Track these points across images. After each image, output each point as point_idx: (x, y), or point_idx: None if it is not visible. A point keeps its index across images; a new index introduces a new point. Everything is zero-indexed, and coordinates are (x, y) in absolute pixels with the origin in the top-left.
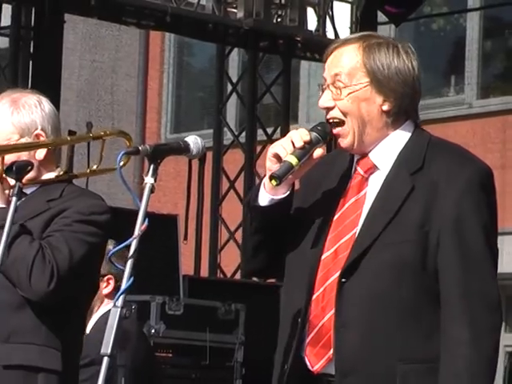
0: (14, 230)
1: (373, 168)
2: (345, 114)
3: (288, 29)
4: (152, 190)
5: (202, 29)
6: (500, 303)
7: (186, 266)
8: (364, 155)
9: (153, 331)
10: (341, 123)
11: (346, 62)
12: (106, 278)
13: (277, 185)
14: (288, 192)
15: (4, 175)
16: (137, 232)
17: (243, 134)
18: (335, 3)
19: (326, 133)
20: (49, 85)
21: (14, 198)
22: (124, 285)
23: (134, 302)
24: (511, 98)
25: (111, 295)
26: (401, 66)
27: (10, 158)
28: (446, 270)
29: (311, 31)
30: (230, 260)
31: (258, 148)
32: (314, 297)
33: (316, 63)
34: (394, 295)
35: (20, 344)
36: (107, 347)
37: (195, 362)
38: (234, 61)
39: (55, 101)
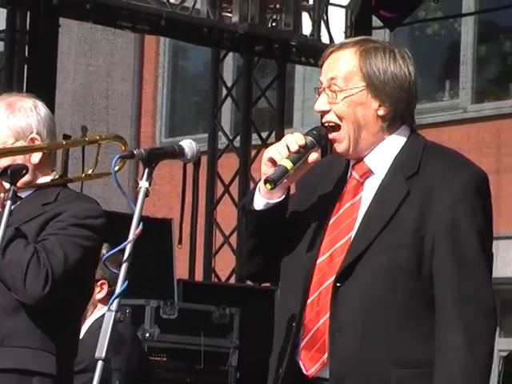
0: (8, 234)
1: (368, 172)
2: (340, 118)
3: (283, 33)
4: (147, 194)
5: (196, 33)
6: (495, 308)
7: (181, 270)
8: (359, 160)
9: (147, 335)
10: (336, 127)
11: (343, 66)
12: (99, 282)
13: (271, 189)
14: (283, 196)
15: None
16: (131, 236)
17: (238, 138)
18: (330, 8)
19: (321, 137)
20: (44, 89)
21: (8, 202)
22: (118, 289)
23: (128, 306)
24: (506, 102)
25: (104, 300)
26: (397, 70)
27: (4, 162)
28: (441, 274)
29: (306, 36)
30: (225, 264)
31: (253, 152)
32: (309, 301)
33: (311, 67)
34: (389, 300)
35: (14, 347)
36: (101, 351)
37: (190, 366)
38: (229, 65)
39: (50, 105)
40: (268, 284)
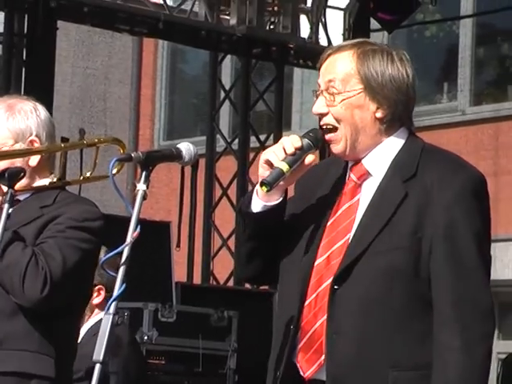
0: (6, 237)
1: (366, 174)
2: (338, 121)
3: (281, 36)
4: (144, 197)
5: (194, 36)
6: (493, 311)
7: (179, 273)
8: (357, 161)
9: (145, 338)
10: (333, 130)
11: (340, 69)
12: (96, 288)
13: (267, 191)
14: (281, 198)
15: None
16: (129, 239)
17: (236, 141)
18: (328, 10)
19: (317, 139)
20: (42, 91)
21: (5, 205)
22: (116, 292)
23: (126, 309)
24: (504, 104)
25: (102, 305)
26: (395, 73)
27: (3, 164)
28: (439, 277)
29: (304, 38)
30: (223, 267)
31: (251, 155)
32: (307, 303)
33: (309, 70)
34: (387, 302)
35: (13, 351)
36: (99, 354)
37: (188, 369)
38: (227, 68)
39: (48, 107)
40: (266, 287)
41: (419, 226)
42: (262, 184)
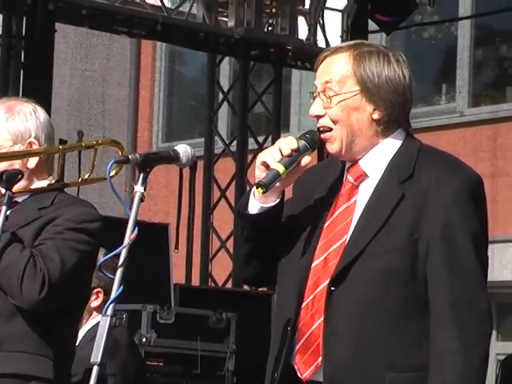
0: (5, 239)
1: (363, 176)
2: (335, 123)
3: (279, 37)
4: (142, 199)
5: (192, 38)
6: (490, 312)
7: (178, 275)
8: (354, 163)
9: (144, 340)
10: (329, 129)
11: (337, 70)
12: (95, 290)
13: (263, 193)
14: (278, 200)
15: None
16: (126, 241)
17: (234, 142)
18: (326, 12)
19: (314, 141)
20: (40, 94)
21: (3, 207)
22: (114, 294)
23: (124, 311)
24: (502, 106)
25: (100, 308)
26: (391, 74)
27: (1, 166)
28: (435, 278)
29: (302, 40)
30: (222, 269)
31: (249, 157)
32: (304, 304)
33: (307, 72)
34: (383, 304)
35: (11, 352)
36: (97, 356)
37: (186, 371)
38: (226, 70)
39: (46, 110)
40: (265, 288)
41: (416, 228)
42: (257, 186)
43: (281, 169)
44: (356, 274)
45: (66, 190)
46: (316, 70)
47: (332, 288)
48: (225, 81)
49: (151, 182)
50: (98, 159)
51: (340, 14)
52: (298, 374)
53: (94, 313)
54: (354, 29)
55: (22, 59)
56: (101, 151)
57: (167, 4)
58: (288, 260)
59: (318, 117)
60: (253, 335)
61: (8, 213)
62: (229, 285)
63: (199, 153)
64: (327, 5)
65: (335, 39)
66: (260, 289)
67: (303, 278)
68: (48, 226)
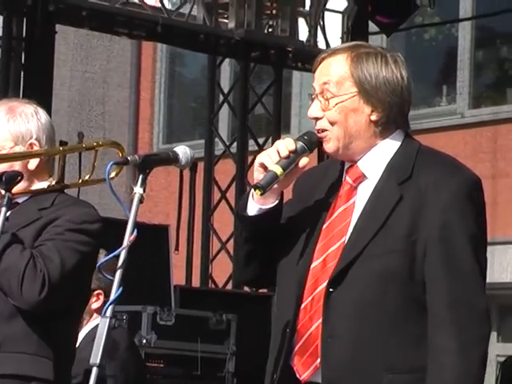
0: (5, 239)
1: (361, 177)
2: (332, 124)
3: (279, 39)
4: (141, 200)
5: (193, 39)
6: (488, 313)
7: (178, 277)
8: (353, 164)
9: (144, 341)
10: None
11: (335, 72)
12: (95, 292)
13: (261, 194)
14: (276, 201)
15: None
16: (126, 242)
17: (234, 144)
18: (326, 13)
19: (312, 142)
20: (40, 95)
21: (3, 209)
22: (113, 295)
23: (125, 313)
24: (503, 107)
25: (100, 310)
26: (389, 75)
27: (2, 167)
28: (433, 280)
29: (302, 41)
30: (222, 270)
31: (250, 158)
32: (303, 306)
33: (308, 73)
34: (382, 305)
35: (12, 353)
36: (96, 357)
37: (186, 373)
38: (226, 71)
39: (46, 111)
40: (265, 290)
41: (414, 229)
42: (255, 187)
43: (278, 170)
44: (354, 276)
45: (66, 191)
46: (314, 72)
47: (330, 290)
48: (225, 82)
49: (151, 183)
50: (98, 160)
51: (340, 16)
52: (297, 376)
53: (95, 314)
54: (354, 30)
55: (23, 61)
56: (101, 152)
57: (167, 5)
58: (287, 261)
59: (317, 119)
60: (253, 337)
61: (8, 214)
62: (229, 286)
63: (199, 154)
64: (327, 6)
65: (335, 41)
66: (260, 290)
67: (302, 279)
68: (48, 227)
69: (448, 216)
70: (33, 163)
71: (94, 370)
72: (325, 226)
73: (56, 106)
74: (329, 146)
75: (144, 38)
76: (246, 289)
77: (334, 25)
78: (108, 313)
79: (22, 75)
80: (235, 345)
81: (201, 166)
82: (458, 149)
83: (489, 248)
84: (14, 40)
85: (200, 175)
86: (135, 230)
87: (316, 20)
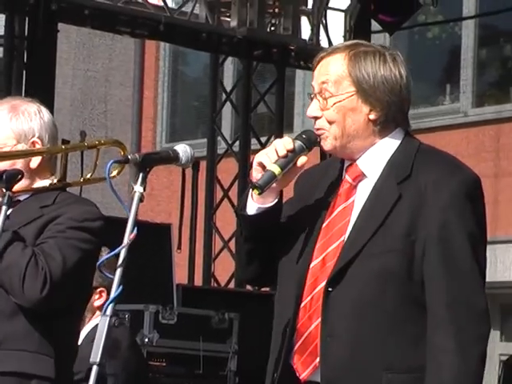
0: (6, 237)
1: (361, 176)
2: (331, 123)
3: (282, 38)
4: (141, 199)
5: (195, 38)
6: (488, 313)
7: (180, 275)
8: (352, 162)
9: (146, 340)
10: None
11: (333, 72)
12: (98, 290)
13: (259, 194)
14: (276, 200)
15: None
16: (126, 241)
17: (237, 143)
18: (329, 12)
19: (310, 141)
20: (42, 94)
21: (3, 207)
22: (113, 294)
23: (127, 311)
24: (506, 106)
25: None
26: (387, 74)
27: (4, 165)
28: (432, 279)
29: (305, 40)
30: (224, 269)
31: (252, 157)
32: (302, 305)
33: (311, 72)
34: (380, 305)
35: (13, 351)
36: (96, 356)
37: (189, 371)
38: (229, 70)
39: (49, 110)
40: (267, 289)
41: (413, 228)
42: (253, 187)
43: (276, 170)
44: (353, 275)
45: (68, 189)
46: (313, 71)
47: (329, 289)
48: (229, 81)
49: (154, 182)
50: (100, 159)
51: (343, 14)
52: (297, 375)
53: (97, 312)
54: (356, 29)
55: (25, 59)
56: (103, 151)
57: (170, 4)
58: (287, 260)
59: (316, 118)
60: (255, 335)
61: (9, 212)
62: (231, 285)
63: (202, 153)
64: (330, 5)
65: (338, 39)
66: (263, 289)
67: (302, 278)
68: (50, 225)
69: (447, 215)
70: (35, 161)
71: (94, 369)
72: (324, 225)
73: (58, 104)
74: (326, 144)
75: (146, 37)
76: (249, 287)
77: (336, 23)
78: (108, 311)
79: (24, 74)
80: (237, 343)
81: (203, 164)
82: (461, 147)
83: (490, 247)
84: (17, 39)
85: (202, 174)
86: (135, 229)
87: (318, 18)
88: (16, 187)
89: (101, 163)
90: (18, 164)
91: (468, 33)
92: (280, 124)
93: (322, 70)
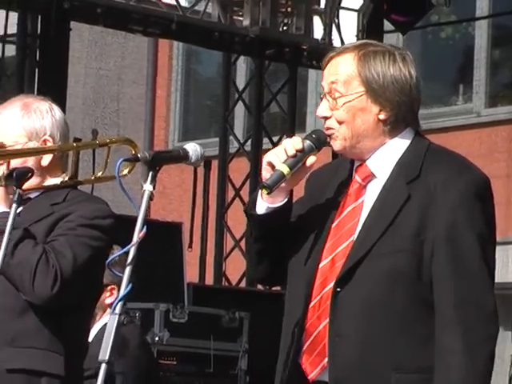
0: (17, 235)
1: (370, 176)
2: (340, 124)
3: (294, 37)
4: (151, 197)
5: (207, 37)
6: (496, 313)
7: (191, 274)
8: (362, 162)
9: (157, 339)
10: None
11: (342, 72)
12: (109, 287)
13: (268, 194)
14: (285, 200)
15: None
16: (135, 239)
17: (249, 142)
18: (341, 11)
19: (320, 141)
20: (55, 92)
21: (13, 205)
22: (122, 292)
23: (137, 310)
24: None
25: None
26: (397, 73)
27: (16, 163)
28: (441, 279)
29: (317, 39)
30: (235, 268)
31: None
32: (311, 305)
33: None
34: (389, 305)
35: (23, 348)
36: (105, 354)
37: (199, 370)
38: (242, 69)
39: (61, 108)
40: (278, 288)
41: (422, 228)
42: (262, 187)
43: (285, 170)
44: (362, 275)
45: (81, 188)
46: (323, 71)
47: (338, 289)
48: (241, 80)
49: (165, 181)
50: (112, 158)
51: (356, 14)
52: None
53: (108, 310)
54: (369, 28)
55: (37, 58)
56: (114, 150)
57: (182, 3)
58: (297, 260)
59: (325, 118)
60: (266, 334)
61: (20, 209)
62: (243, 284)
63: (214, 152)
64: (343, 4)
65: (351, 39)
66: (273, 288)
67: (311, 278)
68: (61, 222)
69: (456, 215)
70: (46, 159)
71: (103, 367)
72: (334, 225)
73: (70, 103)
74: (335, 144)
75: (159, 36)
76: (260, 286)
77: (349, 23)
78: (117, 310)
79: (36, 72)
80: (248, 342)
81: (215, 163)
82: (474, 148)
83: (503, 248)
84: (29, 37)
85: (214, 173)
86: (145, 227)
87: (331, 18)
88: (27, 185)
89: (112, 161)
90: (30, 162)
91: (481, 33)
92: (292, 124)
93: (331, 70)
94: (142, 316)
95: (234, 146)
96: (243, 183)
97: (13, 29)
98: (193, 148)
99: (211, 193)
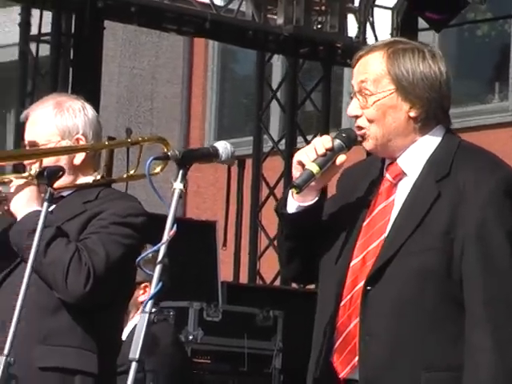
0: (50, 233)
1: (401, 174)
2: (371, 122)
3: (328, 35)
4: (180, 196)
5: (241, 35)
6: None
7: (225, 273)
8: (393, 161)
9: (190, 337)
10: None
11: (372, 70)
12: (142, 285)
13: (297, 193)
14: (316, 198)
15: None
16: (165, 237)
17: (283, 141)
18: (376, 9)
19: (350, 139)
20: (89, 91)
21: (45, 203)
22: (152, 290)
23: (171, 309)
24: None
25: None
26: (426, 70)
27: (49, 161)
28: (470, 278)
29: (351, 38)
30: (270, 266)
31: None
32: (342, 304)
33: None
34: (419, 303)
35: (56, 346)
36: (135, 352)
37: (233, 369)
38: (277, 67)
39: (95, 107)
40: (312, 286)
41: (452, 227)
42: (292, 186)
43: (315, 169)
44: (392, 274)
45: (115, 187)
46: (352, 69)
47: (368, 288)
48: (276, 79)
49: (199, 179)
50: (145, 156)
51: (390, 12)
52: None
53: (141, 307)
54: (403, 26)
55: (71, 57)
56: (148, 148)
57: (216, 1)
58: (328, 258)
59: (356, 117)
60: (300, 333)
61: (52, 207)
62: (277, 282)
63: (249, 151)
64: (377, 2)
65: (385, 37)
66: (308, 286)
67: (342, 277)
68: (93, 220)
69: (485, 213)
70: (78, 158)
71: (133, 365)
72: (365, 224)
73: (104, 102)
74: (367, 144)
75: (192, 35)
76: (294, 285)
77: (383, 21)
78: (147, 308)
79: (70, 71)
80: (282, 341)
81: (249, 162)
82: (508, 146)
83: None
84: (63, 36)
85: (248, 172)
86: (175, 225)
87: (365, 16)
88: (59, 183)
89: (146, 160)
90: (62, 160)
91: None
92: (326, 122)
93: (360, 69)
94: (176, 315)
95: (268, 145)
96: (277, 182)
97: (47, 28)
98: (223, 146)
99: (245, 191)
